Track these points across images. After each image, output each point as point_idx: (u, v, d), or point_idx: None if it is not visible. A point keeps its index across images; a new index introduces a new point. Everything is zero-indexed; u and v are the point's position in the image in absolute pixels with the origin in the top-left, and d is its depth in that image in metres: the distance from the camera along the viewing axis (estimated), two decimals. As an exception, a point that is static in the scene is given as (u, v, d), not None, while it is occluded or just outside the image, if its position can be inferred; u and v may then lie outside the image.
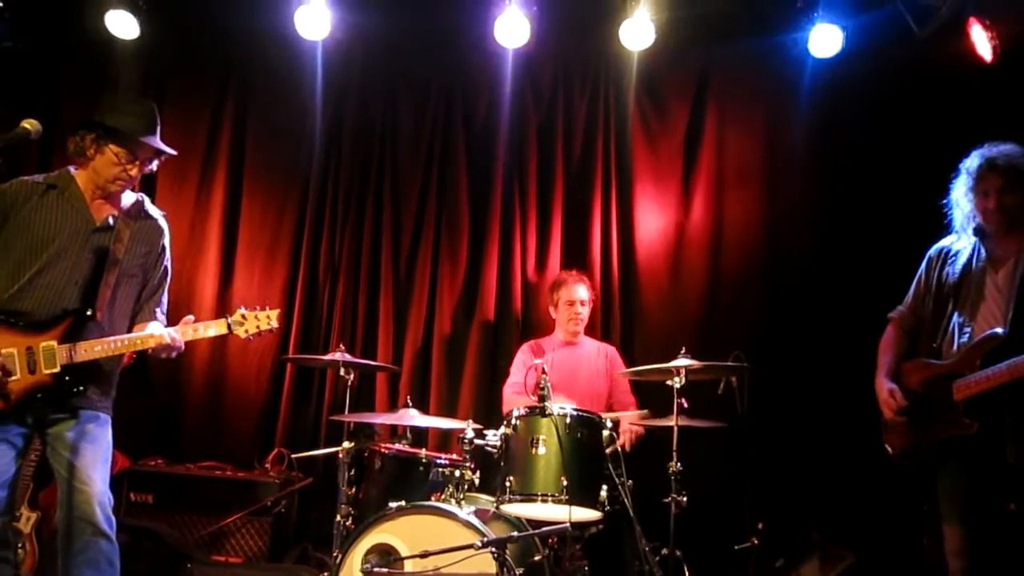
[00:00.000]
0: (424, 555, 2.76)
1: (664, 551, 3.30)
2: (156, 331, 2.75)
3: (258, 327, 2.86)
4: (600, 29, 4.54)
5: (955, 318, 2.84)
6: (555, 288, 4.26)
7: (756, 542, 3.59)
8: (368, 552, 2.94)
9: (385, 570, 2.83)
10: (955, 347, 2.81)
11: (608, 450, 3.17)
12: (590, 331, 4.36)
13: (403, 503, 3.00)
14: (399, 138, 4.84)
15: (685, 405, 3.43)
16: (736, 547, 3.58)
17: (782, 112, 4.62)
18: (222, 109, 4.91)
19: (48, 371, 2.62)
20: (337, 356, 3.64)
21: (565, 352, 4.21)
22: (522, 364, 4.10)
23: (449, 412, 4.43)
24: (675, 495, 3.27)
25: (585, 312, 4.19)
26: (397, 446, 3.59)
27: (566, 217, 4.71)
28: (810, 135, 4.53)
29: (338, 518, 3.37)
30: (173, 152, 2.93)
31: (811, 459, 4.16)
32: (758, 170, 4.62)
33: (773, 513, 3.71)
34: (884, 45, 4.37)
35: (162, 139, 4.87)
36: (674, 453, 3.32)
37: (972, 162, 2.88)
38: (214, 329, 2.83)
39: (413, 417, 3.41)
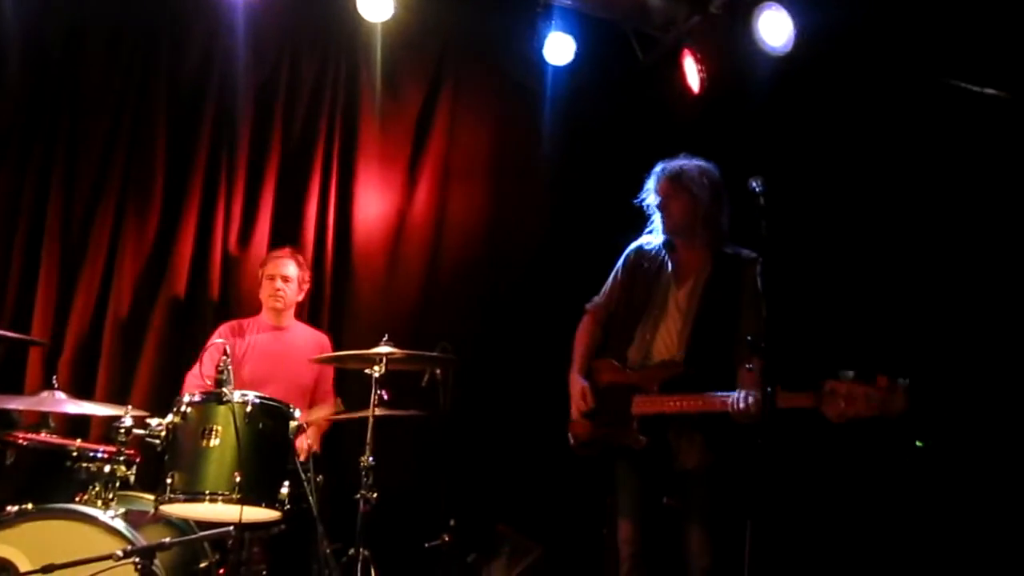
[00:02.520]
0: (48, 570, 2.27)
1: (350, 551, 3.07)
2: None
3: None
4: (338, -8, 4.22)
5: (640, 328, 2.97)
6: (263, 263, 3.90)
7: (448, 539, 3.50)
8: (-25, 567, 2.37)
9: (-9, 589, 2.29)
10: (639, 357, 2.94)
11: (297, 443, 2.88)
12: (298, 316, 4.03)
13: (28, 506, 2.47)
14: (84, 69, 4.07)
15: (385, 397, 3.23)
16: (427, 544, 3.47)
17: (516, 111, 4.64)
18: None
19: None
20: (-38, 324, 2.94)
21: (270, 336, 3.84)
22: (215, 350, 3.65)
23: (120, 400, 3.80)
24: (365, 491, 3.05)
25: (289, 290, 3.84)
26: (40, 436, 3.00)
27: (279, 190, 4.29)
28: (541, 139, 4.61)
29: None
30: None
31: (506, 454, 4.21)
32: (487, 166, 4.58)
33: (467, 509, 3.66)
34: (612, 64, 4.58)
35: None
36: (367, 447, 3.10)
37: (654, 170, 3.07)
38: None
39: (60, 402, 2.83)
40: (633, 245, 3.15)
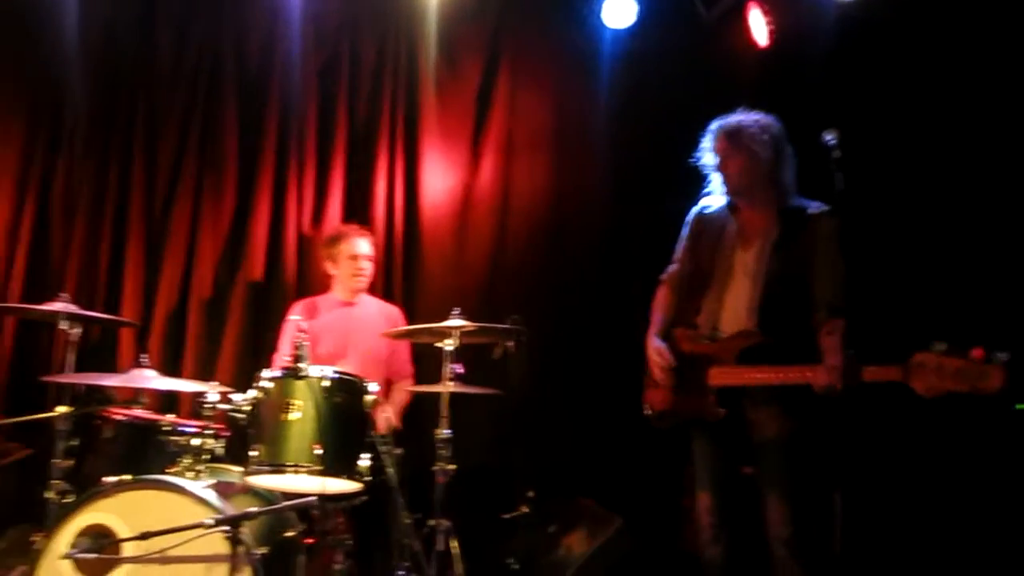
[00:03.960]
0: (144, 537, 2.38)
1: (431, 522, 3.13)
2: None
3: None
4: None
5: (707, 295, 2.86)
6: (335, 241, 3.93)
7: (526, 510, 3.52)
8: (79, 535, 2.51)
9: (95, 555, 2.41)
10: (708, 326, 2.83)
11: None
12: (371, 292, 4.09)
13: (125, 477, 2.60)
14: (157, 62, 4.23)
15: (459, 370, 3.25)
16: (505, 516, 3.49)
17: (576, 79, 4.54)
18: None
19: None
20: (57, 307, 3.08)
21: (342, 312, 3.91)
22: (292, 327, 3.74)
23: (207, 377, 3.96)
24: (442, 463, 3.09)
25: (369, 268, 3.91)
26: (135, 411, 3.14)
27: (348, 170, 4.36)
28: (603, 106, 4.49)
29: (50, 495, 2.86)
30: None
31: (583, 426, 4.17)
32: (549, 137, 4.52)
33: (545, 481, 3.67)
34: (674, 23, 4.43)
35: None
36: (443, 419, 3.13)
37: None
38: None
39: (148, 379, 2.95)
40: (695, 209, 3.03)
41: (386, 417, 3.58)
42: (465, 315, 3.23)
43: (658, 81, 4.46)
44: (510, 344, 3.37)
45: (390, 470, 2.97)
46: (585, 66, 4.49)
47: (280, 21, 4.27)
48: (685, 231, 3.05)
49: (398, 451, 3.28)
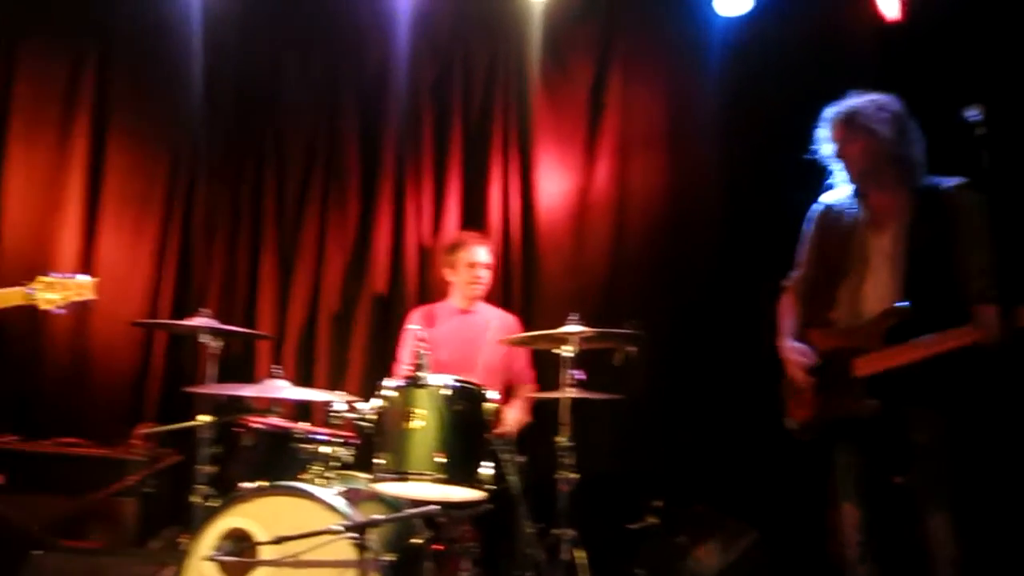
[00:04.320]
0: (279, 541, 2.48)
1: (555, 532, 3.09)
2: None
3: (67, 297, 2.44)
4: (499, -20, 4.26)
5: (841, 287, 2.71)
6: (454, 249, 3.97)
7: (653, 520, 3.43)
8: (222, 537, 2.64)
9: (235, 558, 2.53)
10: (847, 318, 2.68)
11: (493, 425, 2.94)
12: (488, 299, 4.11)
13: (262, 483, 2.72)
14: (283, 88, 4.47)
15: (579, 377, 3.21)
16: (631, 526, 3.41)
17: (689, 73, 4.40)
18: (84, 53, 4.43)
19: None
20: (199, 322, 3.28)
21: (460, 320, 3.95)
22: (412, 336, 3.82)
23: (337, 387, 4.11)
24: (565, 472, 3.05)
25: (487, 275, 3.94)
26: (270, 420, 3.29)
27: (464, 178, 4.43)
28: (718, 98, 4.32)
29: (195, 499, 3.05)
30: None
31: (711, 433, 4.00)
32: (664, 133, 4.39)
33: (671, 490, 3.56)
34: (790, 7, 4.20)
35: (13, 78, 4.41)
36: (564, 427, 3.10)
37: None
38: (8, 298, 2.41)
39: (280, 389, 3.09)
40: (817, 205, 2.89)
41: (516, 418, 3.59)
42: (584, 319, 3.18)
43: (775, 69, 4.22)
44: (631, 349, 3.30)
45: (512, 478, 2.96)
46: (698, 58, 4.34)
47: (394, 39, 4.40)
48: (808, 229, 2.90)
49: (520, 459, 3.27)
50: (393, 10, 4.33)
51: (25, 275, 2.53)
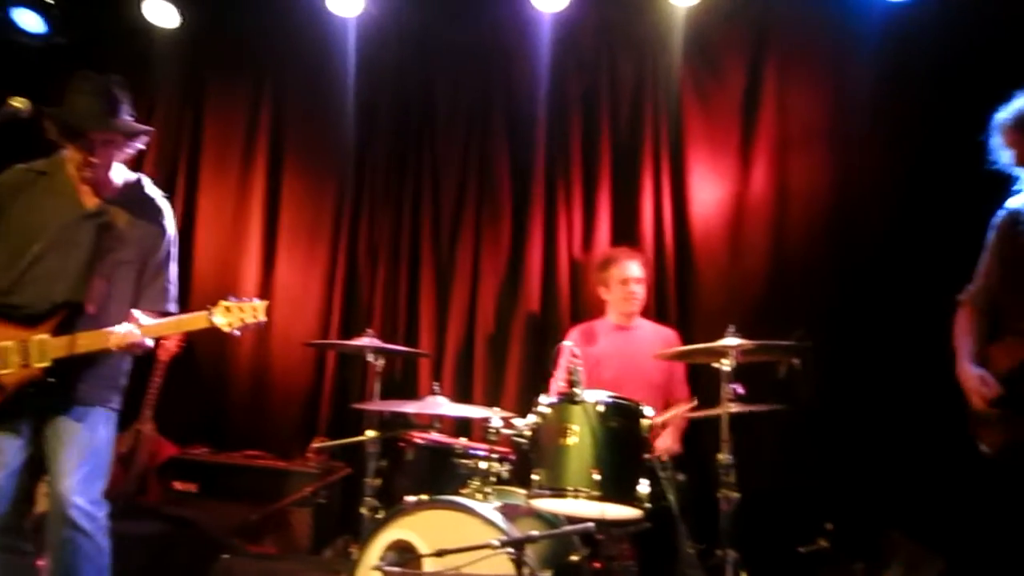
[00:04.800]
0: (440, 554, 2.54)
1: (718, 552, 2.97)
2: (118, 329, 2.56)
3: (243, 320, 2.63)
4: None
5: None
6: (605, 266, 3.94)
7: (825, 544, 3.22)
8: (387, 548, 2.75)
9: (399, 569, 2.62)
10: None
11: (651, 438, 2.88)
12: (643, 314, 4.05)
13: (423, 497, 2.80)
14: (436, 113, 4.66)
15: (740, 391, 3.08)
16: (801, 549, 3.22)
17: (850, 66, 4.12)
18: (260, 94, 4.86)
19: (39, 365, 2.52)
20: (364, 342, 3.45)
21: (619, 337, 3.90)
22: (566, 352, 3.82)
23: (495, 403, 4.20)
24: (726, 490, 2.93)
25: (641, 291, 3.87)
26: (432, 436, 3.41)
27: (614, 190, 4.39)
28: (881, 92, 4.02)
29: (363, 511, 3.20)
30: (136, 128, 2.75)
31: (887, 450, 3.71)
32: (825, 132, 4.15)
33: (844, 511, 3.33)
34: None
35: (203, 127, 4.90)
36: (724, 444, 2.98)
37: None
38: (194, 322, 2.63)
39: (440, 405, 3.19)
40: (1003, 210, 2.69)
41: (668, 444, 3.51)
42: (744, 332, 3.05)
43: (944, 55, 3.87)
44: (795, 361, 3.12)
45: (671, 497, 2.88)
46: (859, 48, 4.06)
47: (540, 56, 4.45)
48: (992, 236, 2.70)
49: (679, 477, 3.17)
50: (538, 28, 4.40)
51: (213, 301, 2.75)
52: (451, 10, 4.57)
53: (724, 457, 2.97)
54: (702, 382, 3.78)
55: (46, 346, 2.52)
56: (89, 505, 2.56)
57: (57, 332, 2.54)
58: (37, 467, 2.64)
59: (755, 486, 3.04)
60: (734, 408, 3.00)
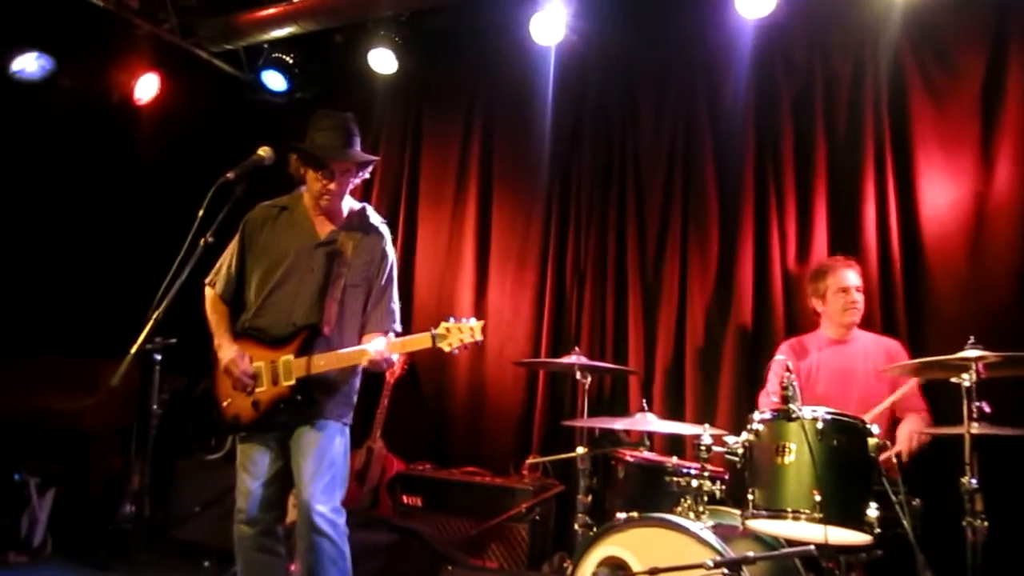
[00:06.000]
0: (653, 572, 2.52)
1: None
2: (369, 347, 2.82)
3: (461, 340, 2.78)
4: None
5: None
6: (819, 276, 3.72)
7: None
8: (600, 564, 2.77)
9: (612, 585, 2.63)
10: None
11: (882, 459, 2.67)
12: (868, 326, 3.77)
13: (634, 515, 2.80)
14: (640, 131, 4.66)
15: (986, 409, 2.77)
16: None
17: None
18: (471, 125, 5.16)
19: (287, 383, 2.83)
20: (572, 359, 3.52)
21: (834, 351, 3.66)
22: (779, 367, 3.64)
23: (706, 421, 4.08)
24: (971, 518, 2.63)
25: (861, 300, 3.63)
26: (642, 453, 3.40)
27: (831, 198, 4.13)
28: None
29: (575, 527, 3.24)
30: (368, 158, 3.00)
31: None
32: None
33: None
34: None
35: (420, 163, 5.29)
36: (968, 466, 2.68)
37: None
38: (419, 342, 2.82)
39: (649, 422, 3.17)
40: None
41: (898, 451, 3.24)
42: (986, 343, 2.75)
43: None
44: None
45: (906, 523, 2.64)
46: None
47: (747, 60, 4.33)
48: None
49: (915, 502, 2.90)
50: (744, 31, 4.28)
51: (433, 323, 2.96)
52: (653, 26, 4.58)
53: (968, 481, 2.68)
54: (940, 399, 3.44)
55: (291, 366, 2.83)
56: (331, 512, 2.82)
57: (299, 353, 2.85)
58: (287, 479, 2.96)
59: (1005, 515, 2.71)
60: (977, 429, 2.69)
